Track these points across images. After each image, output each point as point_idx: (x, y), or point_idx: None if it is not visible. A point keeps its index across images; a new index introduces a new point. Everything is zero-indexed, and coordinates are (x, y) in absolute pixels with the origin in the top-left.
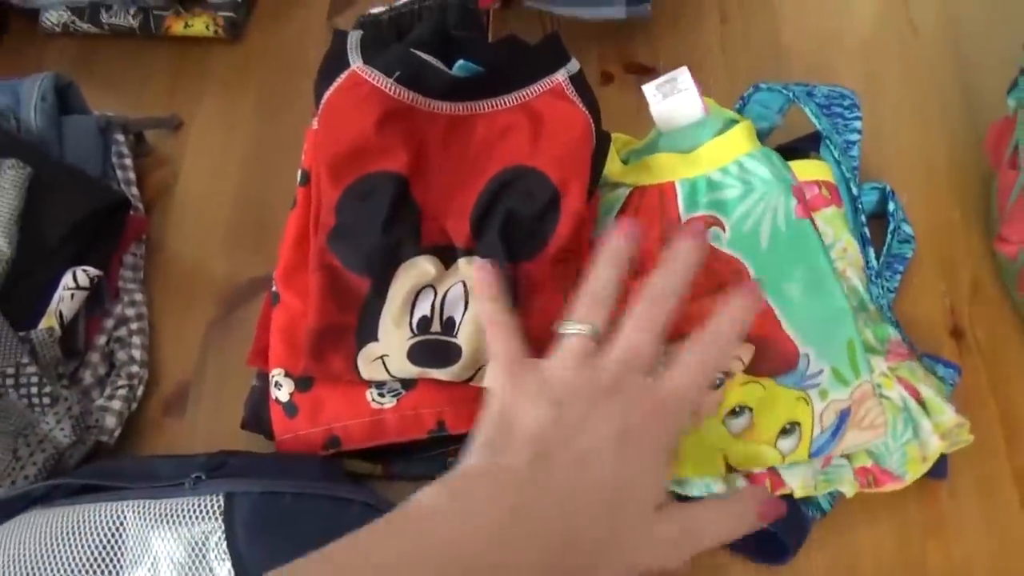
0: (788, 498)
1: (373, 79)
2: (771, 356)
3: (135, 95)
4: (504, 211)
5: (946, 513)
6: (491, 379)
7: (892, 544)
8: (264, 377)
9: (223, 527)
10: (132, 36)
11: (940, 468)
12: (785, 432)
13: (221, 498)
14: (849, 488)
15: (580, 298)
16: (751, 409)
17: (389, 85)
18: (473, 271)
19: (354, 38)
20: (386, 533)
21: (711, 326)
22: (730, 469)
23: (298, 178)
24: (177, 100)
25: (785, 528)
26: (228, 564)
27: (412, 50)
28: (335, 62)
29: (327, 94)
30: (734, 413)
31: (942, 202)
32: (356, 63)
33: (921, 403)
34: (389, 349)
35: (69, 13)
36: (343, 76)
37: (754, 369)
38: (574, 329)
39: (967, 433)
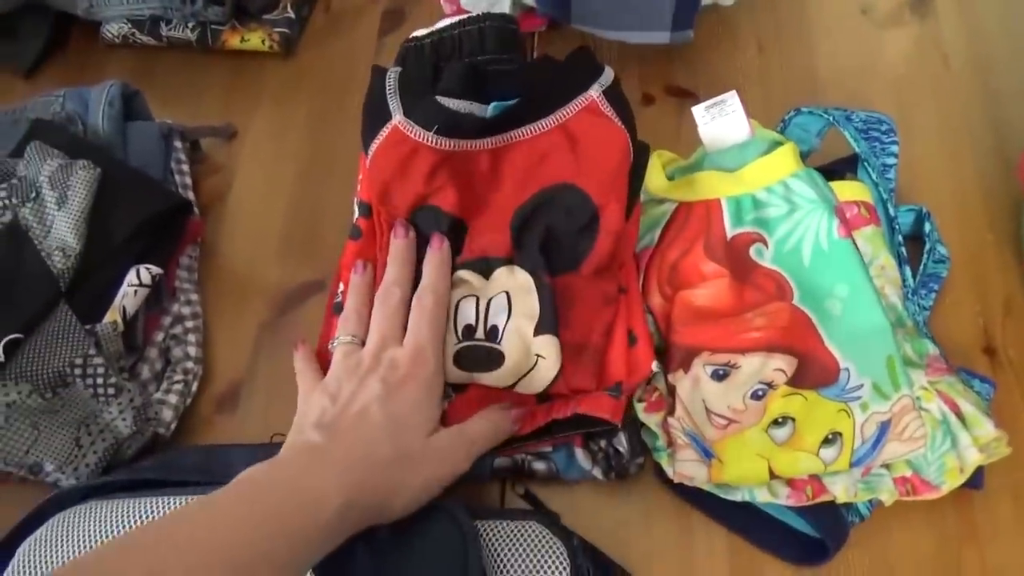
0: (830, 504)
1: (415, 135)
2: (812, 369)
3: (191, 106)
4: (544, 226)
5: (981, 521)
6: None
7: (929, 549)
8: None
9: None
10: (189, 49)
11: (977, 479)
12: (827, 442)
13: None
14: (888, 496)
15: (342, 320)
16: (794, 419)
17: (430, 139)
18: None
19: (392, 80)
20: (225, 494)
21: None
22: (773, 476)
23: (356, 209)
24: (231, 112)
25: (827, 531)
26: None
27: (442, 102)
28: (376, 104)
29: (374, 147)
30: (777, 423)
31: (975, 225)
32: (397, 116)
33: (960, 417)
34: None
35: (129, 25)
36: (386, 130)
37: (796, 382)
38: (341, 341)
39: (1004, 446)
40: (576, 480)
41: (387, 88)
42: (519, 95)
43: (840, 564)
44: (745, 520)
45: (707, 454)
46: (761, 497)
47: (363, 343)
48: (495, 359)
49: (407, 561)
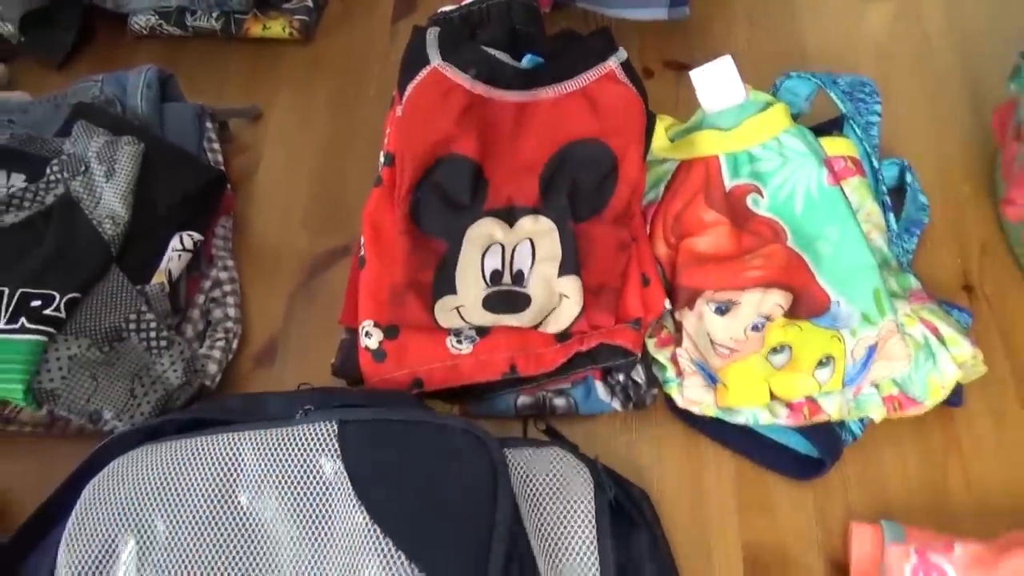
0: (825, 424)
1: (453, 76)
2: (807, 302)
3: (215, 92)
4: (571, 177)
5: (964, 438)
6: None
7: (916, 462)
8: (353, 332)
9: (338, 449)
10: (213, 38)
11: (957, 397)
12: (821, 364)
13: (335, 424)
14: (878, 413)
15: None
16: (791, 347)
17: (467, 81)
18: None
19: (432, 35)
20: None
21: None
22: (773, 397)
23: (381, 159)
24: (254, 97)
25: (823, 448)
26: (347, 483)
27: (485, 48)
28: (415, 56)
29: (410, 88)
30: (775, 351)
31: (953, 177)
32: (436, 60)
33: (940, 338)
34: (466, 299)
35: (156, 17)
36: (425, 72)
37: (792, 313)
38: None
39: (981, 364)
40: (592, 415)
41: (427, 41)
42: (546, 58)
43: (836, 478)
44: (749, 443)
45: (712, 379)
46: (763, 419)
47: None
48: (523, 302)
49: (437, 485)
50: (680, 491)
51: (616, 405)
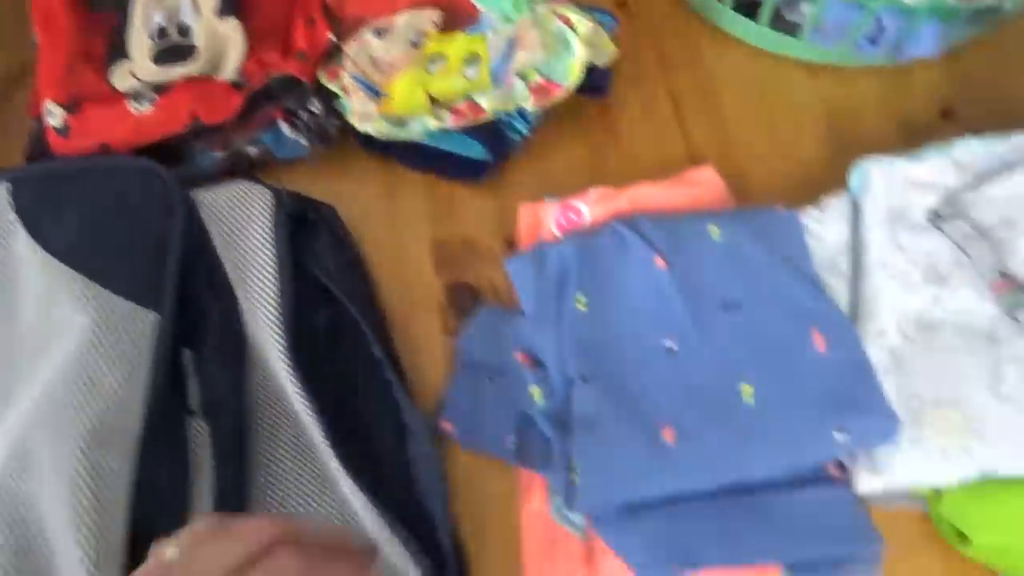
0: (491, 124)
1: None
2: (458, 16)
3: None
4: None
5: (619, 123)
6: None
7: (584, 154)
8: (38, 118)
9: (12, 202)
10: None
11: (602, 84)
12: (468, 62)
13: (7, 184)
14: (527, 100)
15: None
16: (445, 56)
17: None
18: None
19: None
20: None
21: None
22: (434, 102)
23: None
24: None
25: (492, 148)
26: (23, 229)
27: None
28: None
29: None
30: (432, 61)
31: None
32: None
33: (571, 26)
34: (136, 59)
35: None
36: None
37: (447, 28)
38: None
39: (608, 43)
40: (290, 159)
41: None
42: None
43: (513, 176)
44: (434, 161)
45: (376, 93)
46: (432, 125)
47: None
48: (189, 51)
49: (112, 213)
50: (376, 213)
51: (303, 141)
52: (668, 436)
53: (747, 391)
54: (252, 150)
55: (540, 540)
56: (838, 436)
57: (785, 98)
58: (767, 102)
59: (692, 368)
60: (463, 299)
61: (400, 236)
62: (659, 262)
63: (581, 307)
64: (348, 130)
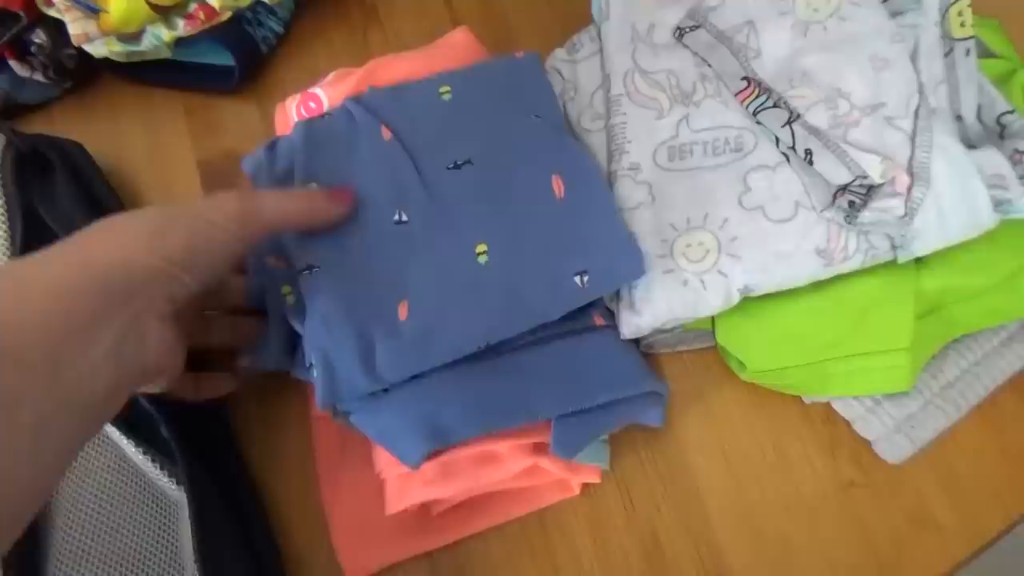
0: (235, 26)
1: None
2: None
3: None
4: None
5: (379, 4)
6: None
7: (344, 37)
8: None
9: None
10: None
11: None
12: None
13: None
14: None
15: None
16: None
17: None
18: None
19: None
20: None
21: None
22: (156, 9)
23: None
24: None
25: (239, 56)
26: None
27: None
28: None
29: None
30: None
31: None
32: None
33: None
34: None
35: None
36: None
37: None
38: None
39: None
40: (40, 102)
41: None
42: None
43: (272, 80)
44: (186, 76)
45: (93, 9)
46: (165, 35)
47: None
48: None
49: None
50: (137, 143)
51: (40, 77)
52: (403, 312)
53: (481, 250)
54: None
55: (327, 445)
56: (577, 281)
57: None
58: None
59: (424, 236)
60: None
61: (164, 163)
62: (385, 132)
63: None
64: (96, 63)
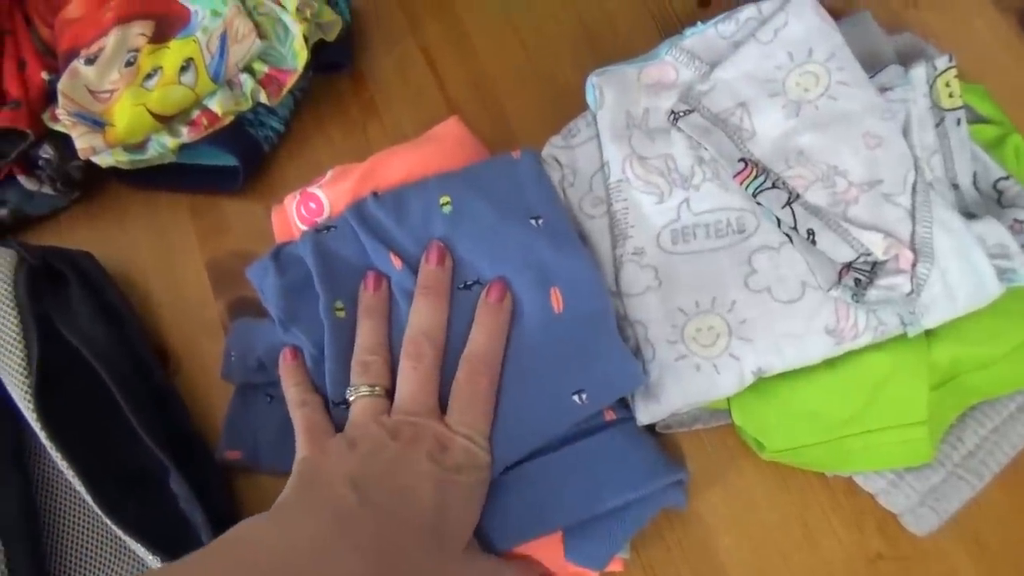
0: (236, 128)
1: None
2: (168, 22)
3: None
4: None
5: (376, 92)
6: (299, 449)
7: (343, 132)
8: None
9: None
10: None
11: (340, 58)
12: (184, 70)
13: None
14: (259, 94)
15: (359, 362)
16: (162, 68)
17: None
18: (280, 363)
19: None
20: (208, 557)
21: (470, 347)
22: (159, 120)
23: None
24: None
25: (242, 157)
26: None
27: None
28: None
29: None
30: (148, 76)
31: None
32: None
33: (282, 4)
34: None
35: None
36: None
37: (159, 38)
38: (363, 392)
39: (329, 12)
40: (47, 213)
41: None
42: None
43: (275, 172)
44: (189, 180)
45: (98, 124)
46: (169, 142)
47: (387, 395)
48: None
49: None
50: (145, 247)
51: (49, 190)
52: None
53: None
54: (1, 212)
55: None
56: (576, 400)
57: (538, 24)
58: (520, 36)
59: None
60: (247, 314)
61: (173, 265)
62: (396, 261)
63: (340, 315)
64: (102, 171)
